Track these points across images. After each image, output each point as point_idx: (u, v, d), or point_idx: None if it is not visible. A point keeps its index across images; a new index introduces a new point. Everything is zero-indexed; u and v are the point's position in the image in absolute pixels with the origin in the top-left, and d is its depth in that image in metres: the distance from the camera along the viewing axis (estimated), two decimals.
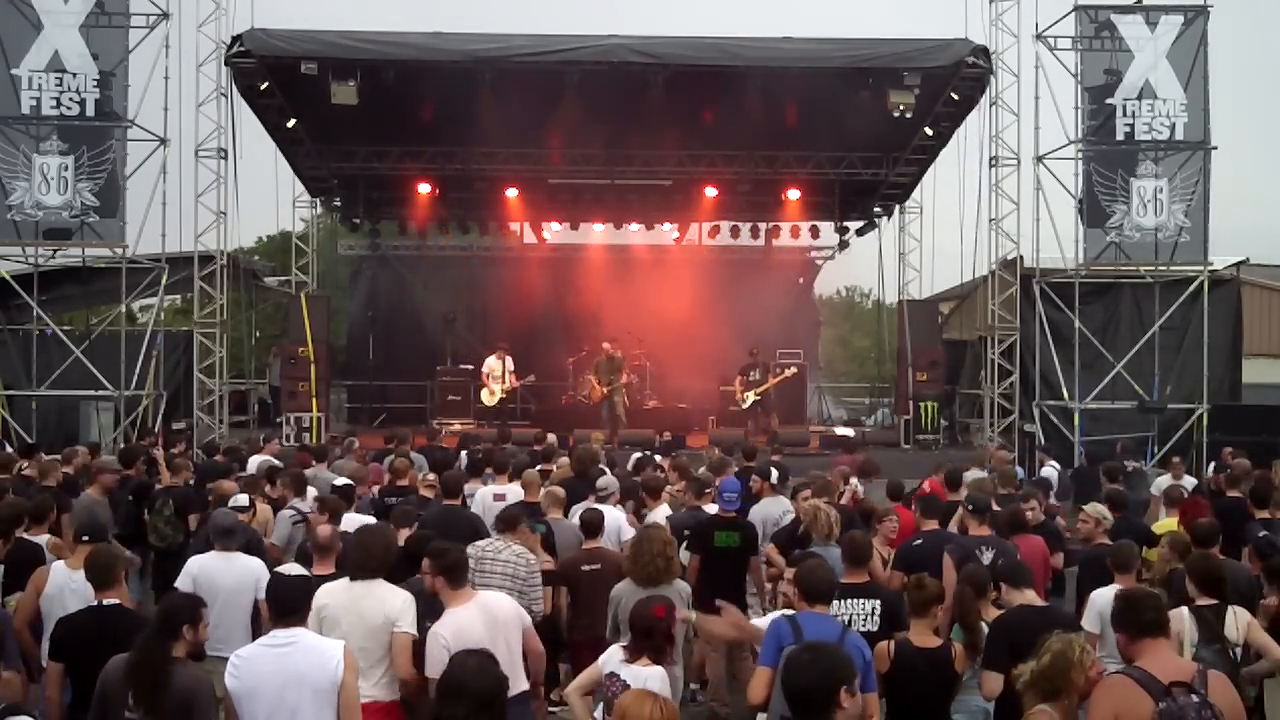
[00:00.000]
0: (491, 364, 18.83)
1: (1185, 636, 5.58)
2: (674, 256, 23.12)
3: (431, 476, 9.96)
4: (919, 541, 7.52)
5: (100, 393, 16.49)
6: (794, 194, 21.62)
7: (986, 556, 7.05)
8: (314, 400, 17.61)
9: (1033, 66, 16.84)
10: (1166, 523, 8.84)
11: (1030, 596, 5.82)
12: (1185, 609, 5.75)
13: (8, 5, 15.79)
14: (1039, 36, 16.83)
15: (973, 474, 10.54)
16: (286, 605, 4.63)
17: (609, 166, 20.21)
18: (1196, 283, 17.12)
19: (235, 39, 16.14)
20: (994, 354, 17.79)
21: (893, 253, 22.86)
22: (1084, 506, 8.27)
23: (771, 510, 8.90)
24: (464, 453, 12.54)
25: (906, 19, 38.74)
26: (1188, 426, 16.71)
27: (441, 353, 21.30)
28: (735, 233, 23.99)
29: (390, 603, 5.34)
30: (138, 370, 16.61)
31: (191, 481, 10.19)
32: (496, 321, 22.83)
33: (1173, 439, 16.41)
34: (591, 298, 21.73)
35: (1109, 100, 16.78)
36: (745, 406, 18.37)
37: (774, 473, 9.75)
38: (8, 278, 16.99)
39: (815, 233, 23.11)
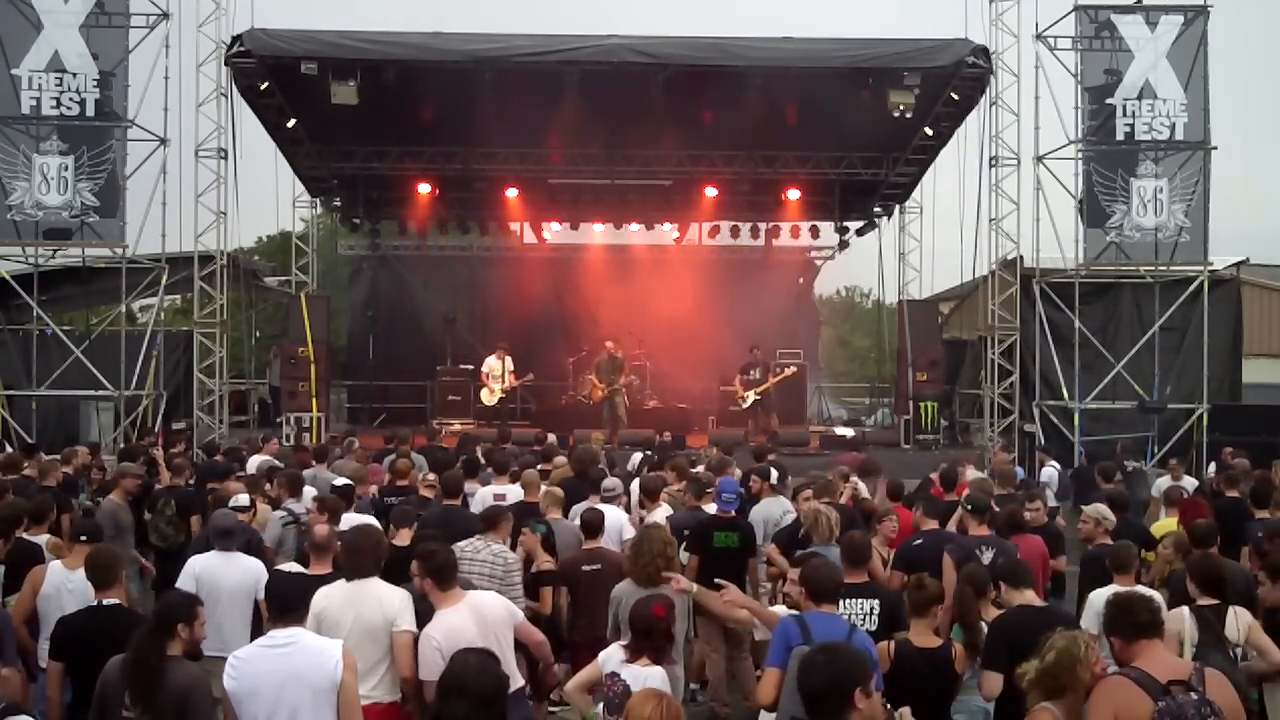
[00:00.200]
0: (491, 364, 18.85)
1: (1185, 636, 5.58)
2: (674, 256, 23.13)
3: (431, 476, 9.97)
4: (919, 541, 7.52)
5: (100, 393, 16.50)
6: (794, 194, 21.64)
7: (986, 556, 7.05)
8: (314, 400, 17.62)
9: (1033, 66, 16.89)
10: (1166, 523, 8.84)
11: (1030, 597, 5.82)
12: (1186, 609, 5.75)
13: (8, 5, 15.79)
14: (1039, 36, 16.83)
15: (971, 473, 10.56)
16: (285, 605, 4.63)
17: (609, 166, 20.22)
18: (1196, 283, 17.12)
19: (235, 39, 16.13)
20: (994, 354, 17.79)
21: (893, 253, 22.92)
22: (1084, 507, 8.28)
23: (772, 510, 8.90)
24: (463, 458, 12.52)
25: (906, 19, 38.75)
26: (1188, 426, 16.71)
27: (441, 353, 21.30)
28: (735, 233, 24.01)
29: (389, 602, 5.33)
30: (138, 370, 16.62)
31: (192, 482, 10.20)
32: (496, 321, 22.84)
33: (1173, 439, 16.41)
34: (591, 298, 21.74)
35: (1109, 100, 16.78)
36: (745, 406, 18.37)
37: (773, 473, 9.75)
38: (8, 278, 17.00)
39: (815, 233, 23.12)
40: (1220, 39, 17.86)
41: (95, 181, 16.02)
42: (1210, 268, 17.40)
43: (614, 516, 8.25)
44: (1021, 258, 17.73)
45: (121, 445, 14.27)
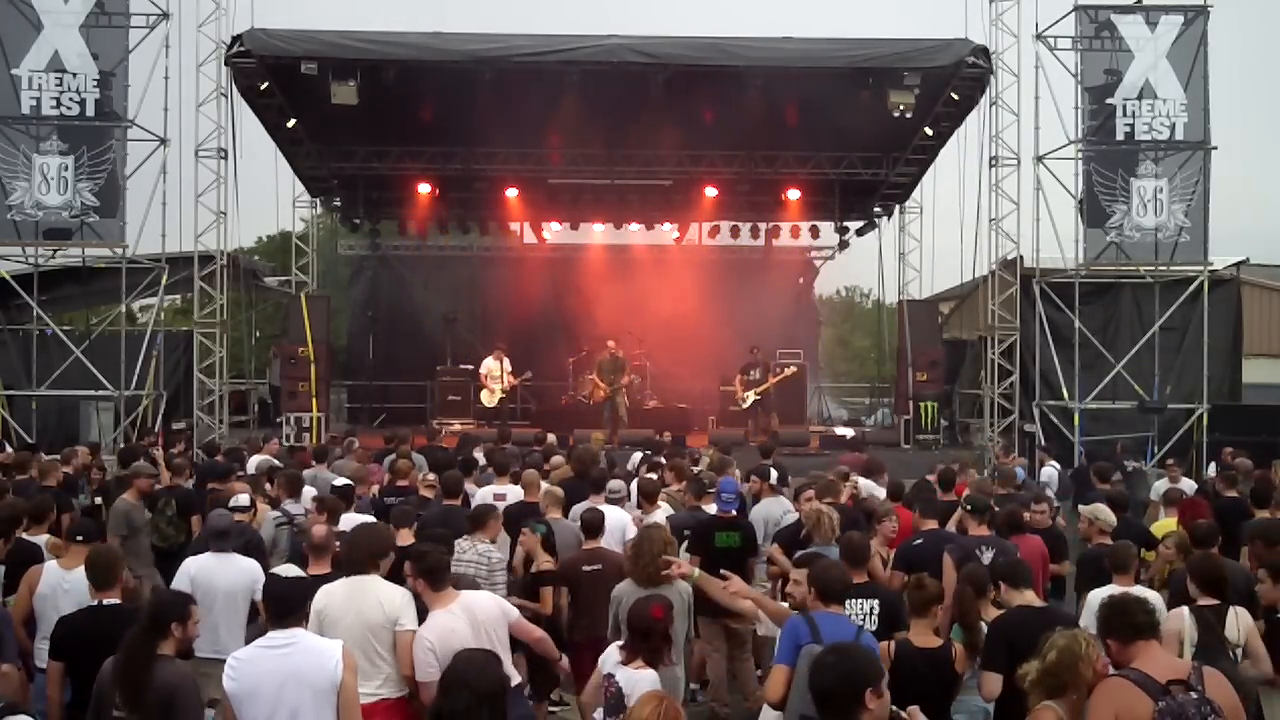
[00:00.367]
0: (489, 365, 18.88)
1: (1186, 637, 5.58)
2: (674, 256, 23.14)
3: (431, 476, 9.96)
4: (919, 541, 7.52)
5: (100, 393, 16.49)
6: (794, 194, 21.65)
7: (986, 556, 7.05)
8: (314, 400, 17.62)
9: (1033, 66, 16.88)
10: (1166, 523, 8.84)
11: (1029, 597, 5.81)
12: (1186, 609, 5.75)
13: (8, 5, 15.79)
14: (1039, 36, 16.83)
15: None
16: (284, 607, 4.63)
17: (609, 166, 20.22)
18: (1196, 283, 17.12)
19: (235, 39, 16.13)
20: (994, 354, 17.79)
21: (893, 253, 22.94)
22: (1081, 507, 8.28)
23: (772, 511, 8.90)
24: (459, 458, 12.51)
25: (906, 19, 38.78)
26: (1188, 427, 16.70)
27: (441, 353, 21.30)
28: (735, 233, 24.02)
29: (389, 600, 5.33)
30: (138, 370, 16.61)
31: (192, 481, 10.20)
32: (496, 321, 22.85)
33: (1173, 439, 16.41)
34: (591, 298, 21.74)
35: (1109, 100, 16.77)
36: (745, 406, 18.38)
37: (773, 473, 9.76)
38: (8, 278, 17.00)
39: (815, 233, 23.14)
40: (1220, 39, 17.88)
41: (95, 181, 16.02)
42: (1210, 268, 17.39)
43: (617, 517, 8.25)
44: (1021, 258, 17.73)
45: (121, 445, 14.26)
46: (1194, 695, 4.08)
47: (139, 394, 16.59)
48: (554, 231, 24.18)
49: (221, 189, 16.97)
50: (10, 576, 6.80)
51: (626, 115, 17.38)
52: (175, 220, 16.63)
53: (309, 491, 9.01)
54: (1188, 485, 11.44)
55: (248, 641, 5.32)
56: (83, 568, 6.16)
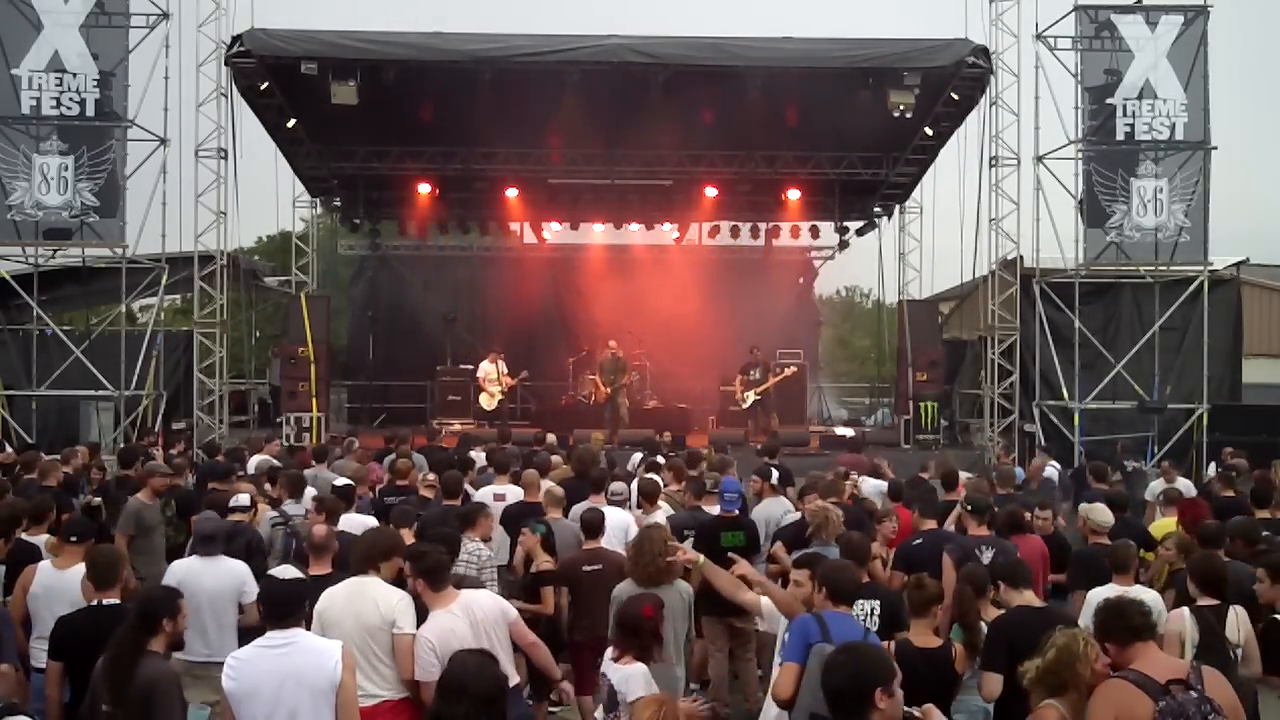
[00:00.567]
0: (486, 368, 18.92)
1: (1186, 638, 5.58)
2: (674, 256, 23.12)
3: (431, 476, 9.96)
4: (918, 541, 7.52)
5: (100, 393, 16.49)
6: (794, 194, 21.63)
7: (985, 556, 7.05)
8: (314, 400, 17.60)
9: (1033, 66, 16.90)
10: (1165, 523, 8.84)
11: (1029, 597, 5.80)
12: (1186, 610, 5.74)
13: (8, 5, 15.80)
14: (1039, 36, 16.83)
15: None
16: (281, 608, 4.63)
17: (609, 166, 20.21)
18: (1196, 283, 17.12)
19: (235, 39, 16.13)
20: (994, 354, 17.79)
21: (893, 253, 22.92)
22: (1083, 506, 8.27)
23: (773, 511, 8.90)
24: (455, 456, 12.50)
25: (906, 19, 38.79)
26: (1188, 427, 16.71)
27: (441, 353, 21.28)
28: (735, 233, 24.01)
29: (386, 602, 5.33)
30: (138, 370, 16.61)
31: (193, 482, 10.19)
32: (496, 322, 22.86)
33: (1173, 439, 16.41)
34: (591, 298, 21.75)
35: (1109, 100, 16.78)
36: (746, 406, 18.39)
37: (774, 473, 9.76)
38: (8, 278, 16.99)
39: (815, 233, 23.12)
40: (1220, 39, 17.89)
41: (95, 181, 16.02)
42: (1210, 268, 17.40)
43: (619, 518, 8.26)
44: (1021, 258, 17.73)
45: (121, 445, 14.25)
46: (1194, 694, 4.08)
47: (139, 394, 16.59)
48: (554, 231, 24.17)
49: (221, 189, 16.98)
50: (10, 576, 6.80)
51: (626, 115, 17.37)
52: (175, 220, 16.68)
53: (309, 492, 9.00)
54: (1184, 485, 11.42)
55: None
56: (76, 568, 6.19)
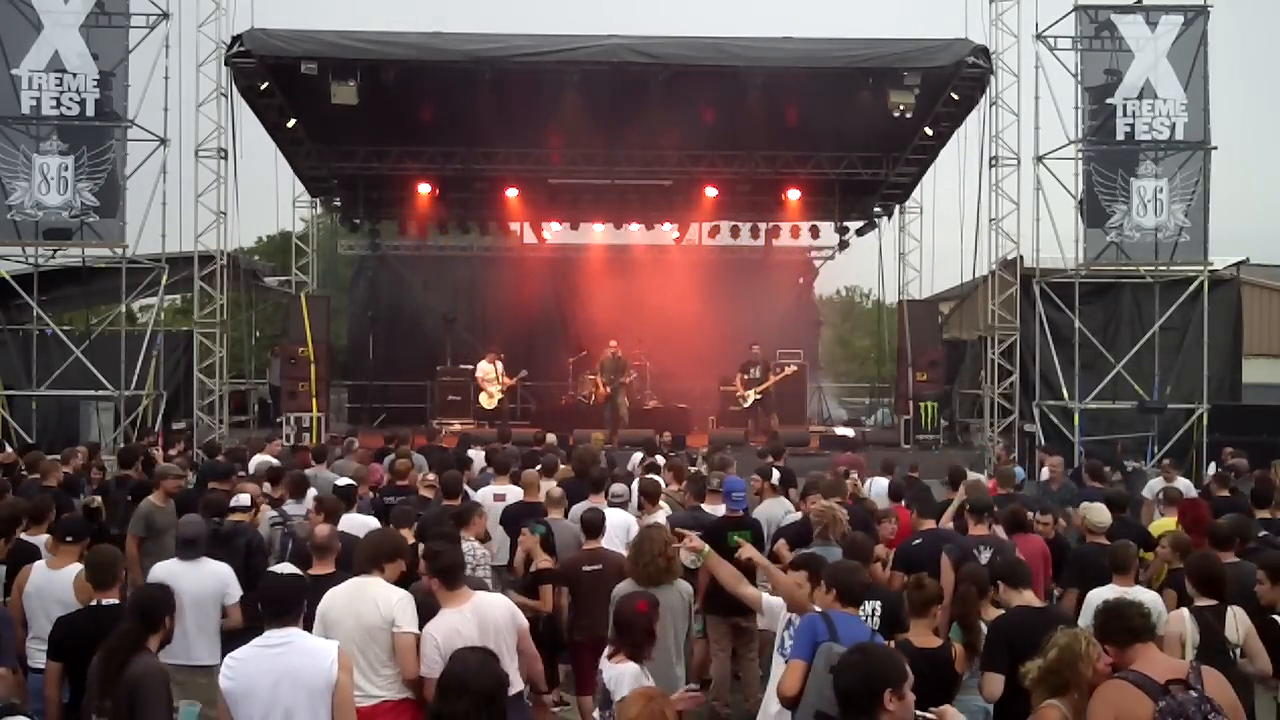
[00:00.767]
0: (485, 368, 18.93)
1: (1186, 638, 5.57)
2: (674, 256, 23.13)
3: (431, 476, 9.97)
4: (918, 541, 7.52)
5: (100, 393, 16.48)
6: (794, 194, 21.65)
7: (984, 556, 7.05)
8: (314, 400, 17.61)
9: (1033, 66, 16.86)
10: (1164, 523, 8.84)
11: (1029, 597, 5.80)
12: (1185, 611, 5.74)
13: (8, 5, 15.78)
14: (1039, 36, 16.82)
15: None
16: (278, 605, 4.63)
17: (609, 166, 20.21)
18: (1196, 283, 17.11)
19: (235, 39, 16.13)
20: (994, 354, 17.78)
21: (893, 253, 22.92)
22: (1080, 507, 8.27)
23: (773, 511, 8.91)
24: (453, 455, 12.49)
25: (906, 19, 38.74)
26: (1187, 427, 16.69)
27: (441, 353, 21.29)
28: (735, 233, 24.03)
29: (386, 602, 5.33)
30: (138, 370, 16.60)
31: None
32: (496, 322, 22.88)
33: (1173, 439, 16.40)
34: (591, 298, 21.75)
35: (1109, 100, 16.77)
36: (746, 406, 18.39)
37: (775, 473, 9.76)
38: (8, 278, 16.98)
39: (815, 233, 23.14)
40: (1220, 39, 17.87)
41: (95, 181, 16.01)
42: (1210, 268, 17.38)
43: (621, 519, 8.27)
44: (1021, 258, 17.72)
45: (121, 445, 14.25)
46: (1193, 694, 4.08)
47: (139, 394, 16.58)
48: (554, 231, 24.18)
49: (221, 189, 16.97)
50: (11, 577, 6.81)
51: (626, 115, 17.37)
52: (175, 220, 16.64)
53: (310, 492, 9.00)
54: (1183, 485, 11.41)
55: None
56: (69, 568, 6.20)
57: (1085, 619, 6.17)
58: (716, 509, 8.38)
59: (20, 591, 6.31)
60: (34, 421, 16.33)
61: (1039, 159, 17.05)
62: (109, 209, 16.12)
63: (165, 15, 16.21)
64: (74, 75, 15.92)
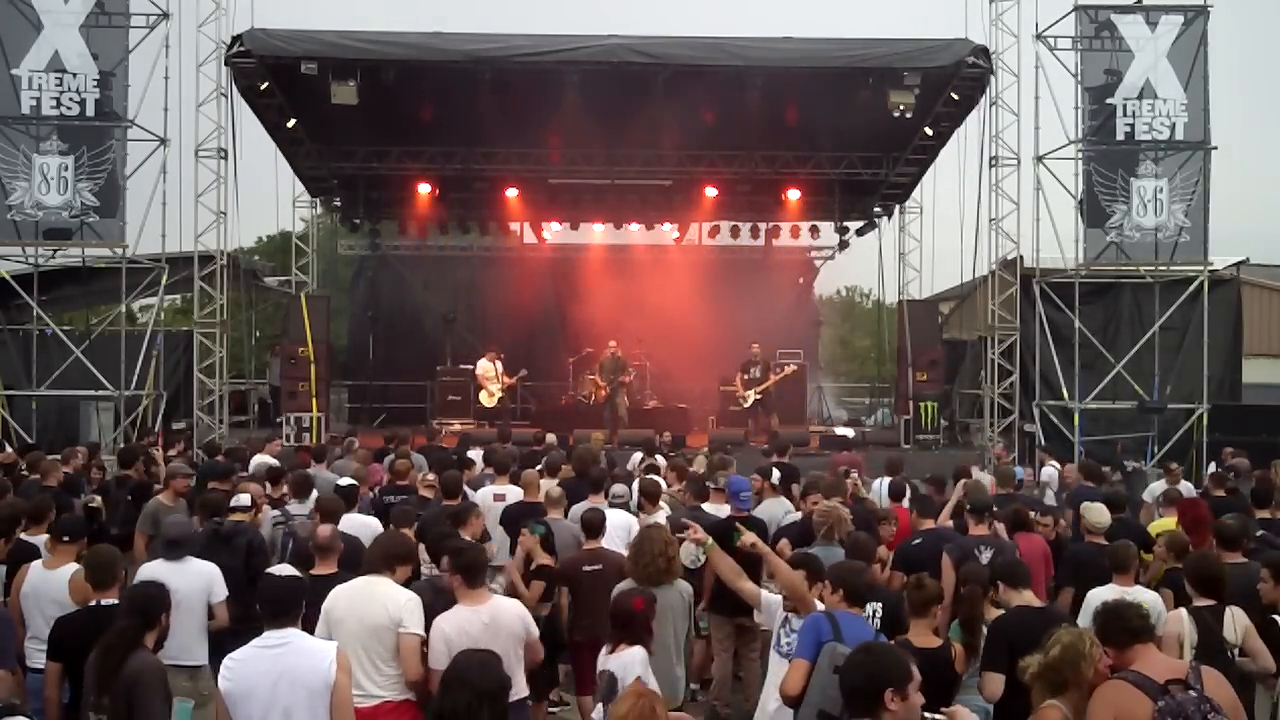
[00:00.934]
0: (484, 366, 18.93)
1: (1185, 639, 5.58)
2: (674, 256, 23.13)
3: (431, 476, 9.97)
4: (918, 541, 7.53)
5: (100, 393, 16.47)
6: (794, 194, 21.66)
7: (985, 556, 7.05)
8: (314, 400, 17.61)
9: (1033, 66, 16.85)
10: (1164, 523, 8.84)
11: (1029, 597, 5.80)
12: (1184, 611, 5.74)
13: (8, 5, 15.77)
14: (1039, 36, 16.82)
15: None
16: (277, 605, 4.64)
17: (609, 166, 20.21)
18: (1196, 283, 17.11)
19: (235, 39, 16.13)
20: (994, 354, 17.78)
21: (893, 253, 22.91)
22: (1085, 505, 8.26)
23: (774, 511, 8.90)
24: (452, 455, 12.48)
25: (906, 19, 38.75)
26: (1188, 427, 16.69)
27: (441, 353, 21.30)
28: (735, 233, 24.04)
29: (394, 603, 5.34)
30: (138, 370, 16.59)
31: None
32: (497, 321, 22.87)
33: (1173, 439, 16.40)
34: (591, 298, 21.73)
35: (1109, 100, 16.76)
36: (746, 406, 18.38)
37: (775, 473, 9.76)
38: (8, 278, 16.98)
39: (815, 233, 23.15)
40: (1220, 39, 17.87)
41: (95, 181, 16.00)
42: (1210, 268, 17.38)
43: (622, 519, 8.26)
44: (1021, 258, 17.72)
45: (121, 445, 14.25)
46: (1193, 694, 4.08)
47: (139, 394, 16.57)
48: (554, 231, 24.19)
49: (221, 189, 16.97)
50: (10, 577, 6.80)
51: (626, 115, 17.36)
52: (175, 220, 16.62)
53: (313, 493, 9.00)
54: (1185, 487, 11.42)
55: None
56: (65, 568, 6.19)
57: (1085, 619, 6.17)
58: (717, 509, 8.38)
59: (18, 592, 6.30)
60: (34, 421, 16.32)
61: (1039, 159, 17.05)
62: (109, 209, 16.11)
63: (165, 15, 16.20)
64: (74, 75, 15.90)
